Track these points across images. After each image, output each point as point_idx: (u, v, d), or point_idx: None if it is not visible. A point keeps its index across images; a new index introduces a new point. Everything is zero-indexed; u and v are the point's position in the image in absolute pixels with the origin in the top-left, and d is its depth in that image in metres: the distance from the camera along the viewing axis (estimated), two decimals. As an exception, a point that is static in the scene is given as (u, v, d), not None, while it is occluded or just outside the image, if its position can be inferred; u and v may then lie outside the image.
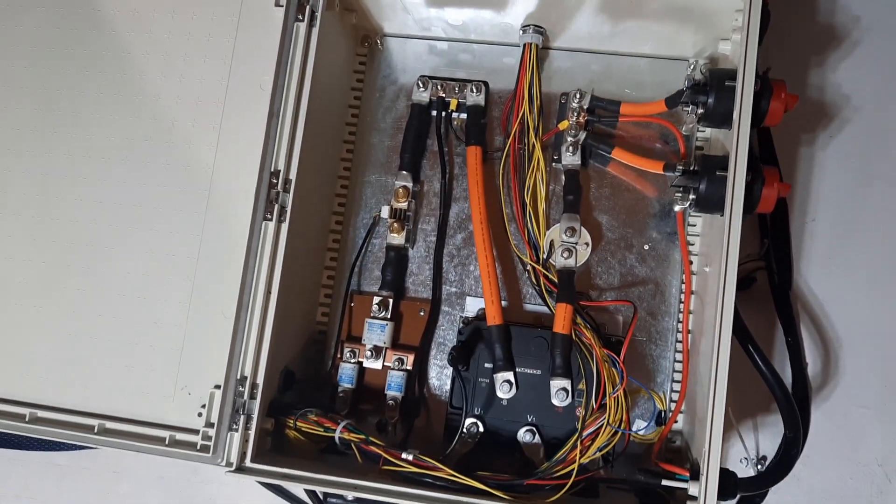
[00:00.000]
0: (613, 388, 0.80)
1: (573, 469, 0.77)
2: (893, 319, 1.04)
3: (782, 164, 1.14)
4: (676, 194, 0.84)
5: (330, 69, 0.91)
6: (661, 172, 0.89)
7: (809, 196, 1.14)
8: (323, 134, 0.91)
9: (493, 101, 0.98)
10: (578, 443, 0.79)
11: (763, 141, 1.07)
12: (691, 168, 0.83)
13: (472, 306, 0.94)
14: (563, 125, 0.93)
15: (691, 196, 0.83)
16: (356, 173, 0.99)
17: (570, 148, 0.92)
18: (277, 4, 0.83)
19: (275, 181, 0.81)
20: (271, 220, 0.80)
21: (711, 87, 0.82)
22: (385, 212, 0.94)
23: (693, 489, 0.75)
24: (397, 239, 0.94)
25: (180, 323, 0.80)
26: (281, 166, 0.81)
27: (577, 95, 0.93)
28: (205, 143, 0.83)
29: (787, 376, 1.00)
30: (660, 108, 0.90)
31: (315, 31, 0.83)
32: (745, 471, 0.98)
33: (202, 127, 0.83)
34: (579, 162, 0.93)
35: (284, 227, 0.80)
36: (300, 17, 0.83)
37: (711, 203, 0.81)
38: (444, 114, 0.97)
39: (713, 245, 0.83)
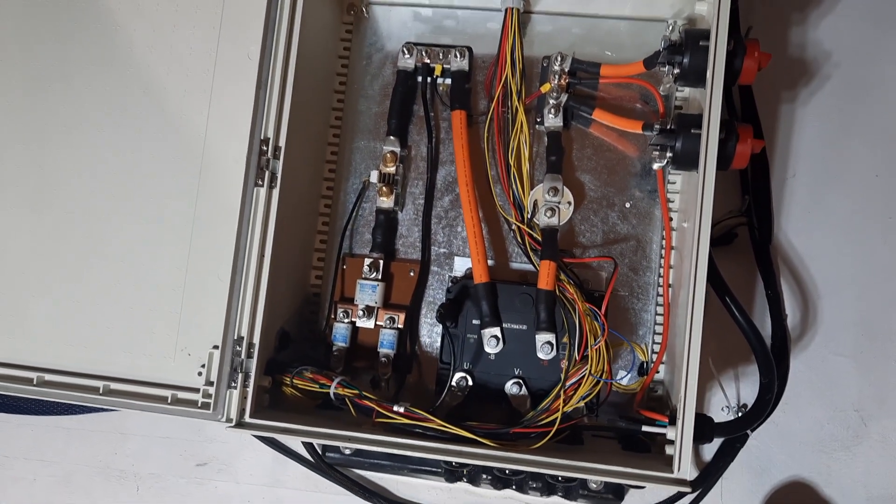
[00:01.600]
0: (595, 341, 0.84)
1: (557, 417, 0.81)
2: (870, 270, 1.08)
3: (763, 122, 1.17)
4: (654, 153, 0.87)
5: (316, 38, 0.93)
6: (641, 132, 0.91)
7: (790, 152, 1.16)
8: (311, 101, 0.94)
9: (476, 65, 1.00)
10: (562, 392, 0.83)
11: (745, 99, 1.09)
12: (668, 127, 0.86)
13: (461, 266, 0.97)
14: (545, 88, 0.95)
15: (668, 154, 0.86)
16: (345, 139, 1.01)
17: (553, 110, 0.95)
18: (262, -23, 0.84)
19: (265, 149, 0.83)
20: (262, 186, 0.83)
21: (686, 47, 0.84)
22: (374, 176, 0.97)
23: (671, 434, 0.79)
24: (386, 203, 0.96)
25: (178, 286, 0.83)
26: (270, 134, 0.83)
27: (559, 58, 0.95)
28: (196, 112, 0.85)
29: (768, 328, 1.04)
30: (638, 69, 0.92)
31: (300, 0, 0.85)
32: (726, 418, 1.02)
33: (193, 96, 0.85)
34: (561, 124, 0.95)
35: (275, 192, 0.83)
36: (285, -11, 0.84)
37: (688, 160, 0.84)
38: (429, 79, 0.99)
39: (691, 201, 0.85)
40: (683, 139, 0.83)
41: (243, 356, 0.81)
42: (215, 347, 0.81)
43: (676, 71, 0.86)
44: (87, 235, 0.86)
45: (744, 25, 1.20)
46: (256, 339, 0.82)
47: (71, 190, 0.86)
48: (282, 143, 0.83)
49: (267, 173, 0.83)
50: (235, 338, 0.82)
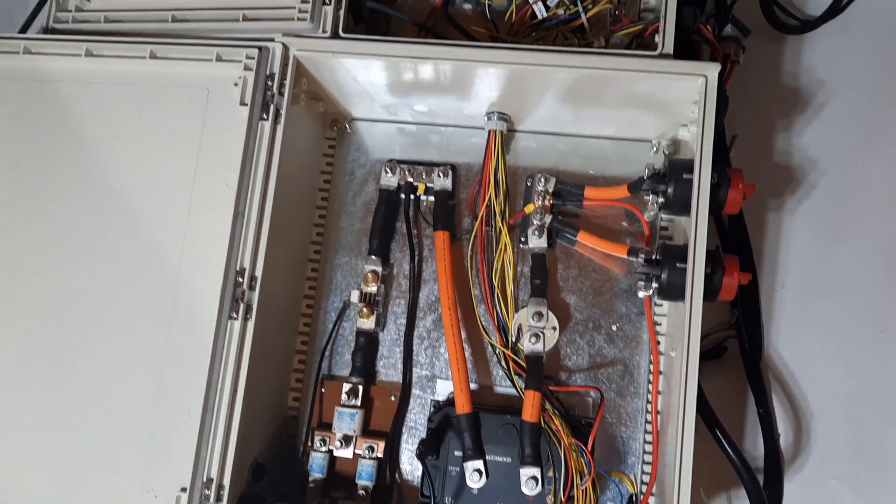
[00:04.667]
0: (581, 480, 0.81)
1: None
2: (862, 387, 1.05)
3: (750, 230, 1.16)
4: (640, 282, 0.85)
5: (298, 155, 0.92)
6: (626, 257, 0.90)
7: (778, 262, 1.15)
8: (291, 222, 0.92)
9: (461, 181, 0.99)
10: (547, 536, 0.79)
11: (733, 221, 1.08)
12: (653, 258, 0.85)
13: (443, 389, 0.94)
14: (529, 209, 0.94)
15: (654, 284, 0.84)
16: (326, 256, 0.99)
17: (537, 231, 0.94)
18: (242, 103, 0.84)
19: (240, 280, 0.81)
20: (237, 319, 0.80)
21: (670, 178, 0.83)
22: (355, 296, 0.95)
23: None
24: (367, 323, 0.94)
25: (147, 421, 0.80)
26: (247, 265, 0.81)
27: (543, 180, 0.94)
28: (171, 240, 0.83)
29: (760, 448, 1.01)
30: (623, 192, 0.91)
31: (280, 128, 0.84)
32: (718, 547, 0.98)
33: (169, 223, 0.84)
34: (545, 244, 0.94)
35: (250, 325, 0.81)
36: (265, 115, 0.84)
37: (674, 292, 0.82)
38: (412, 197, 0.98)
39: (677, 329, 0.83)
40: (669, 272, 0.82)
41: (212, 500, 0.78)
42: (183, 490, 0.77)
43: (661, 200, 0.85)
44: (54, 366, 0.83)
45: (729, 133, 1.21)
46: (227, 481, 0.78)
47: (40, 319, 0.84)
48: (258, 273, 0.81)
49: (242, 305, 0.81)
50: (204, 480, 0.78)
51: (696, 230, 0.79)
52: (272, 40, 0.86)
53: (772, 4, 1.26)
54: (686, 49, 0.90)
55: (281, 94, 0.85)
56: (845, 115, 1.23)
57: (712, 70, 0.80)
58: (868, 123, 1.22)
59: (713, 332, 1.06)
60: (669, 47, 0.82)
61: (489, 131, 0.95)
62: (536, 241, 0.94)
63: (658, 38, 0.83)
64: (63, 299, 0.84)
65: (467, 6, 1.01)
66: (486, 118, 0.95)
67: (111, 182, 0.86)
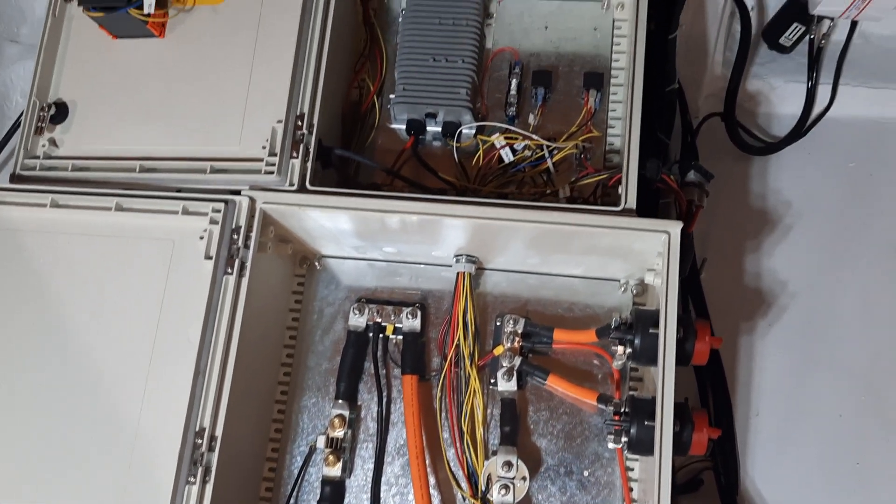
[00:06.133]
0: None
1: None
2: (842, 522, 1.03)
3: (723, 356, 1.16)
4: (609, 435, 0.84)
5: (266, 298, 0.92)
6: (595, 404, 0.89)
7: (752, 389, 1.15)
8: (257, 369, 0.91)
9: (431, 318, 0.99)
10: None
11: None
12: (622, 410, 0.84)
13: (412, 539, 0.91)
14: (498, 351, 0.93)
15: (624, 438, 0.83)
16: (293, 397, 0.98)
17: (506, 374, 0.93)
18: (207, 257, 0.83)
19: (199, 441, 0.79)
20: (195, 483, 0.78)
21: (637, 331, 0.83)
22: (321, 441, 0.93)
23: None
24: (333, 471, 0.92)
25: None
26: (207, 425, 0.79)
27: (512, 321, 0.94)
28: (131, 398, 0.81)
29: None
30: (591, 337, 0.91)
31: (244, 281, 0.84)
32: None
33: (129, 380, 0.82)
34: (515, 388, 0.93)
35: (209, 489, 0.78)
36: (229, 269, 0.83)
37: (642, 448, 0.81)
38: (381, 336, 0.97)
39: (650, 475, 0.82)
40: (638, 427, 0.81)
41: None
42: None
43: (629, 350, 0.84)
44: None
45: (699, 254, 1.22)
46: None
47: (-8, 478, 0.81)
48: (218, 433, 0.80)
49: (200, 469, 0.78)
50: None
51: (662, 385, 0.78)
52: (239, 193, 0.86)
53: (736, 126, 1.30)
54: (650, 197, 0.92)
55: (247, 246, 0.84)
56: (813, 237, 1.25)
57: (674, 227, 0.81)
58: (835, 245, 1.24)
59: (688, 464, 1.05)
60: (632, 202, 0.83)
61: (458, 273, 0.95)
62: (506, 385, 0.93)
63: (621, 190, 0.84)
64: (19, 454, 0.81)
65: (437, 144, 1.02)
66: (454, 260, 0.95)
67: (72, 335, 0.84)
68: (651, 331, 0.82)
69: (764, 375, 1.15)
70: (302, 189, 0.86)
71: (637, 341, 0.83)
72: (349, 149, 1.02)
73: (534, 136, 0.95)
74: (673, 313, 0.80)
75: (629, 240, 0.83)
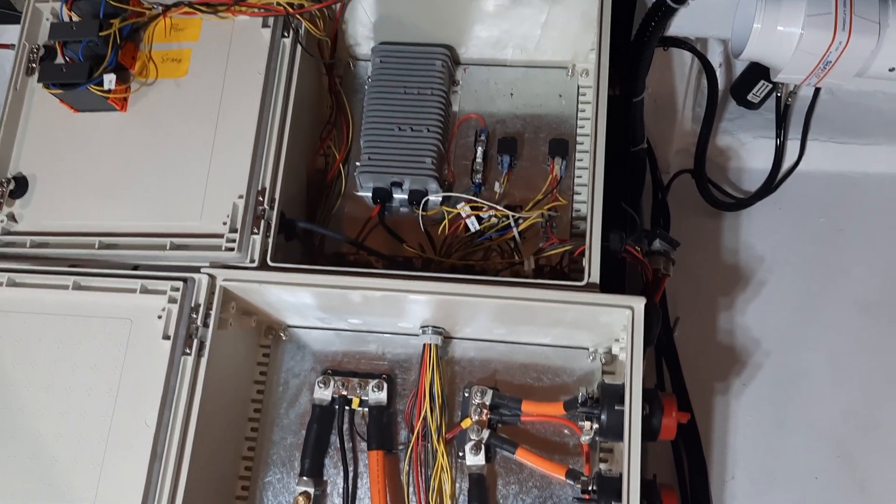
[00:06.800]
0: None
1: None
2: None
3: (698, 416, 1.15)
4: (579, 507, 0.83)
5: (228, 374, 0.90)
6: (564, 479, 0.88)
7: (727, 451, 1.14)
8: (218, 447, 0.89)
9: (397, 391, 0.97)
10: None
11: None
12: (590, 488, 0.82)
13: None
14: (466, 423, 0.92)
15: (593, 517, 0.81)
16: (257, 473, 0.95)
17: (474, 448, 0.91)
18: (165, 336, 0.82)
19: (156, 535, 0.77)
20: (150, 577, 0.76)
21: (603, 406, 0.82)
22: (285, 521, 0.90)
23: None
24: (297, 553, 0.90)
25: None
26: (164, 512, 0.77)
27: (479, 393, 0.93)
28: (85, 480, 0.79)
29: None
30: (559, 410, 0.90)
31: (203, 361, 0.82)
32: None
33: (83, 462, 0.80)
34: (483, 462, 0.91)
35: (165, 581, 0.76)
36: (188, 350, 0.82)
37: (611, 527, 0.80)
38: (347, 408, 0.95)
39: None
40: (605, 506, 0.80)
41: None
42: None
43: (596, 426, 0.83)
44: None
45: (672, 311, 1.22)
46: None
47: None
48: (177, 521, 0.77)
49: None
50: None
51: (629, 464, 0.77)
52: (198, 270, 0.85)
53: (707, 183, 1.30)
54: (615, 267, 0.91)
55: (206, 325, 0.83)
56: (785, 293, 1.25)
57: (638, 302, 0.81)
58: (807, 302, 1.24)
59: (664, 533, 1.03)
60: (595, 277, 0.82)
61: (424, 344, 0.94)
62: (474, 459, 0.91)
63: (585, 263, 0.84)
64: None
65: (404, 210, 1.02)
66: (420, 331, 0.94)
67: (25, 417, 0.82)
68: (617, 407, 0.81)
69: (738, 437, 1.14)
70: (263, 265, 0.85)
71: (603, 417, 0.82)
72: (315, 217, 1.01)
73: (498, 207, 0.94)
74: (638, 390, 0.79)
75: (594, 314, 0.83)
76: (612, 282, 0.90)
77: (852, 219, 1.28)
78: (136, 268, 0.87)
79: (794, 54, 0.92)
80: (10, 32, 1.16)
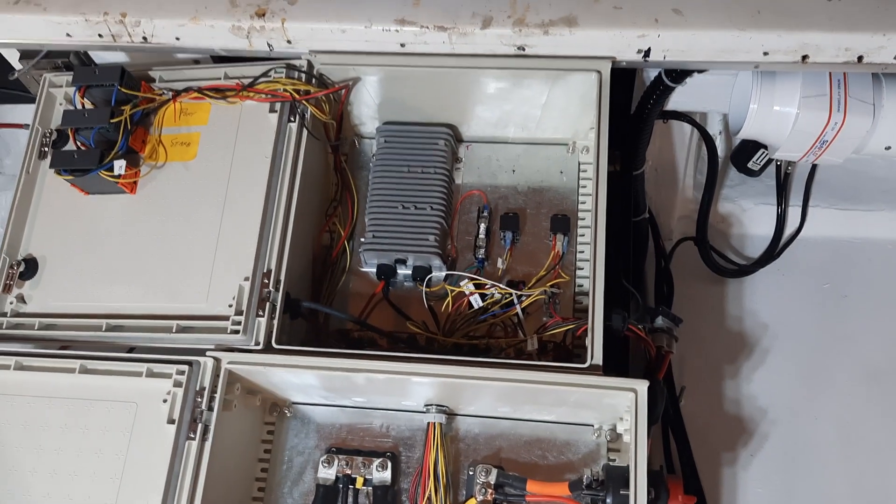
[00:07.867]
0: None
1: None
2: None
3: (706, 488, 1.14)
4: None
5: (233, 451, 0.90)
6: (570, 563, 0.86)
7: (736, 526, 1.12)
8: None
9: (402, 469, 0.96)
10: None
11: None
12: (597, 572, 0.81)
13: None
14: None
15: None
16: (260, 557, 0.94)
17: (479, 530, 0.90)
18: (170, 421, 0.82)
19: None
20: None
21: (608, 490, 0.82)
22: None
23: None
24: None
25: None
26: None
27: (484, 472, 0.92)
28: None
29: None
30: (564, 490, 0.89)
31: (207, 445, 0.82)
32: None
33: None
34: (489, 544, 0.90)
35: None
36: (192, 434, 0.82)
37: None
38: (351, 488, 0.95)
39: None
40: None
41: None
42: None
43: (601, 509, 0.82)
44: None
45: (678, 384, 1.21)
46: None
47: None
48: None
49: None
50: None
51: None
52: (203, 353, 0.85)
53: (709, 250, 1.31)
54: (618, 345, 0.91)
55: (211, 408, 0.83)
56: (791, 361, 1.24)
57: (641, 385, 0.81)
58: (813, 370, 1.23)
59: None
60: (598, 359, 0.82)
61: (428, 423, 0.94)
62: (479, 540, 0.90)
63: (588, 343, 0.84)
64: None
65: (408, 285, 1.03)
66: (425, 409, 0.94)
67: (29, 500, 0.82)
68: (622, 491, 0.80)
69: (747, 510, 1.13)
70: (268, 348, 0.86)
71: (609, 501, 0.82)
72: (320, 292, 1.02)
73: (501, 286, 0.95)
74: (643, 474, 0.79)
75: (597, 397, 0.83)
76: (616, 360, 0.90)
77: (856, 285, 1.28)
78: (131, 350, 0.88)
79: (790, 134, 0.94)
80: (22, 111, 1.20)
